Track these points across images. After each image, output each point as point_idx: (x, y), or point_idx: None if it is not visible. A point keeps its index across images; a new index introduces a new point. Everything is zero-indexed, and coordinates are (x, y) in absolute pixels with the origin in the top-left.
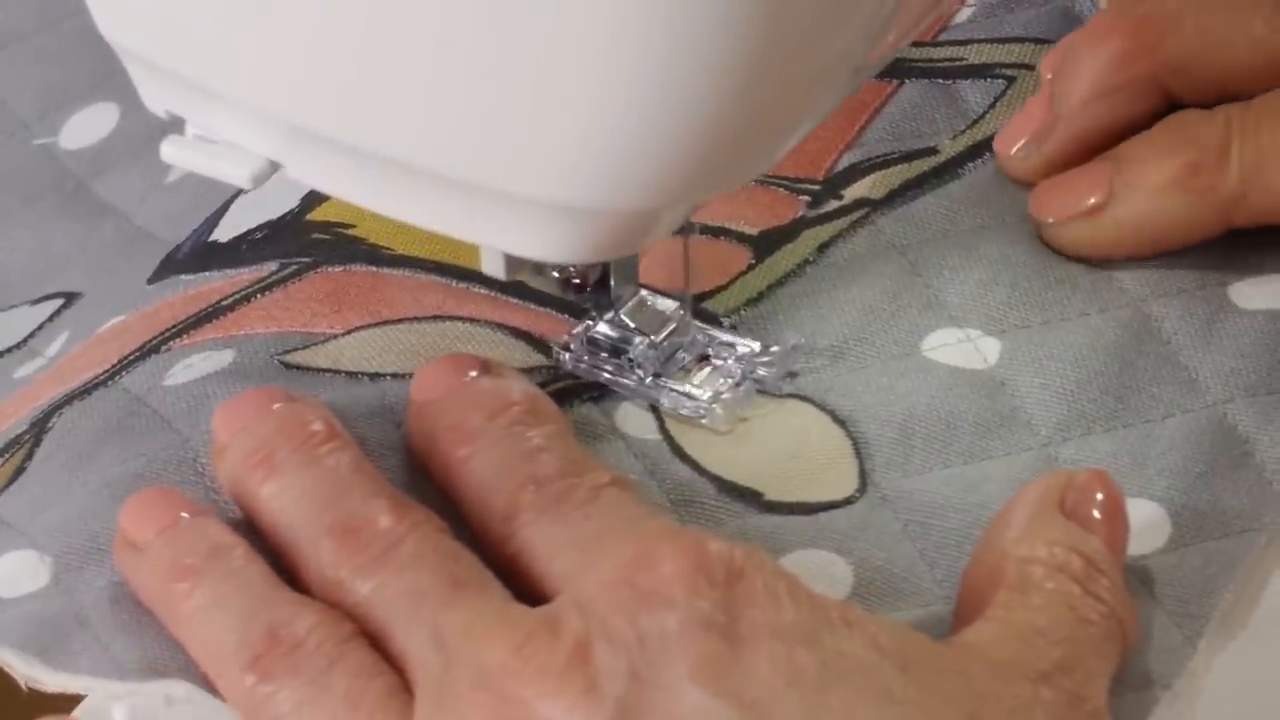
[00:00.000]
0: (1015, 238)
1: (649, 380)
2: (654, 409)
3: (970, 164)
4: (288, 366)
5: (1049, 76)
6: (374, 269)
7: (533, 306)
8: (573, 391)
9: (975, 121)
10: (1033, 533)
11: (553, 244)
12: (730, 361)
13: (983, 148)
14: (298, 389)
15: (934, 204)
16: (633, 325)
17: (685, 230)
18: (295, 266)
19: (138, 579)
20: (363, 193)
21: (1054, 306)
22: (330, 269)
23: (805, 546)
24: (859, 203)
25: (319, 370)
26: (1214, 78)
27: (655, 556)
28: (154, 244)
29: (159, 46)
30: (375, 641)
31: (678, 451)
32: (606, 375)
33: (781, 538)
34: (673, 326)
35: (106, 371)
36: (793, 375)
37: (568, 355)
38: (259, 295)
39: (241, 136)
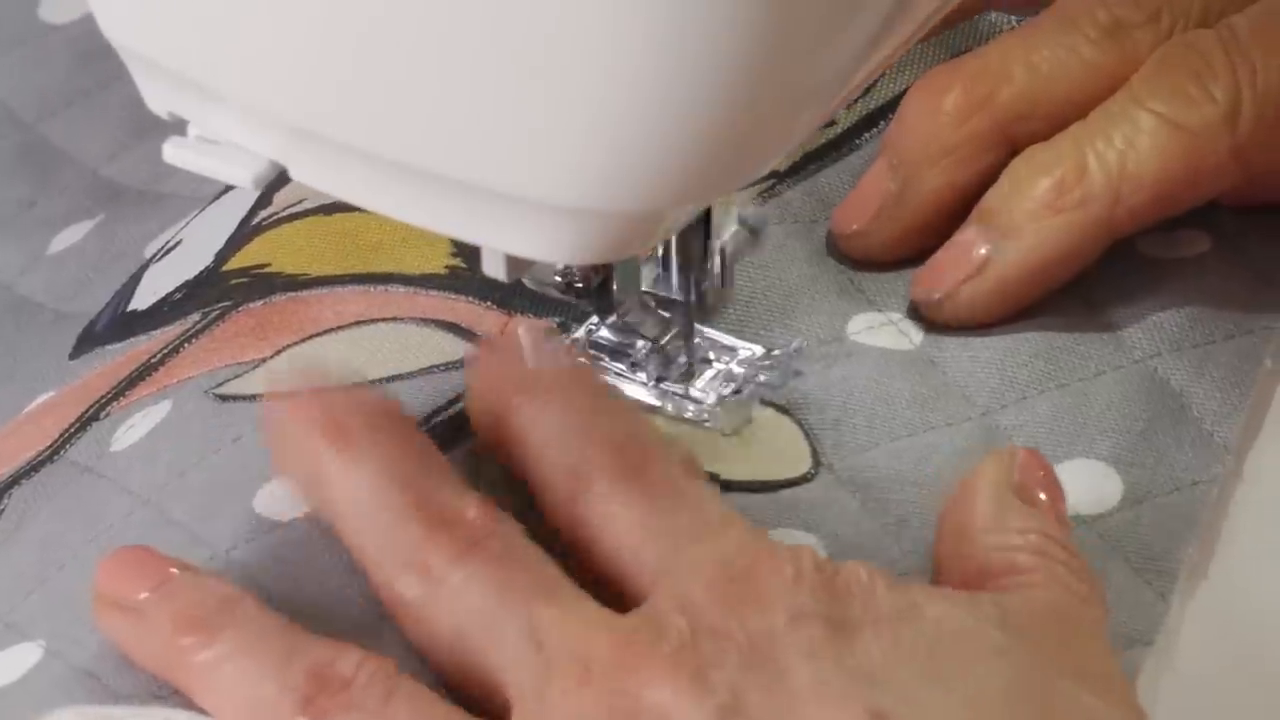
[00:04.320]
0: None
1: (651, 384)
2: None
3: (866, 134)
4: (223, 399)
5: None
6: (294, 294)
7: (451, 297)
8: None
9: (868, 91)
10: (1002, 522)
11: (555, 245)
12: (732, 365)
13: (876, 118)
14: (236, 422)
15: (836, 178)
16: (635, 328)
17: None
18: (218, 311)
19: (132, 639)
20: (365, 194)
21: None
22: (251, 305)
23: (775, 526)
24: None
25: (253, 397)
26: (1056, 112)
27: (754, 564)
28: (43, 312)
29: (161, 47)
30: (450, 642)
31: None
32: (608, 379)
33: (752, 519)
34: (675, 330)
35: (49, 446)
36: (798, 374)
37: None
38: (186, 345)
39: (244, 137)
